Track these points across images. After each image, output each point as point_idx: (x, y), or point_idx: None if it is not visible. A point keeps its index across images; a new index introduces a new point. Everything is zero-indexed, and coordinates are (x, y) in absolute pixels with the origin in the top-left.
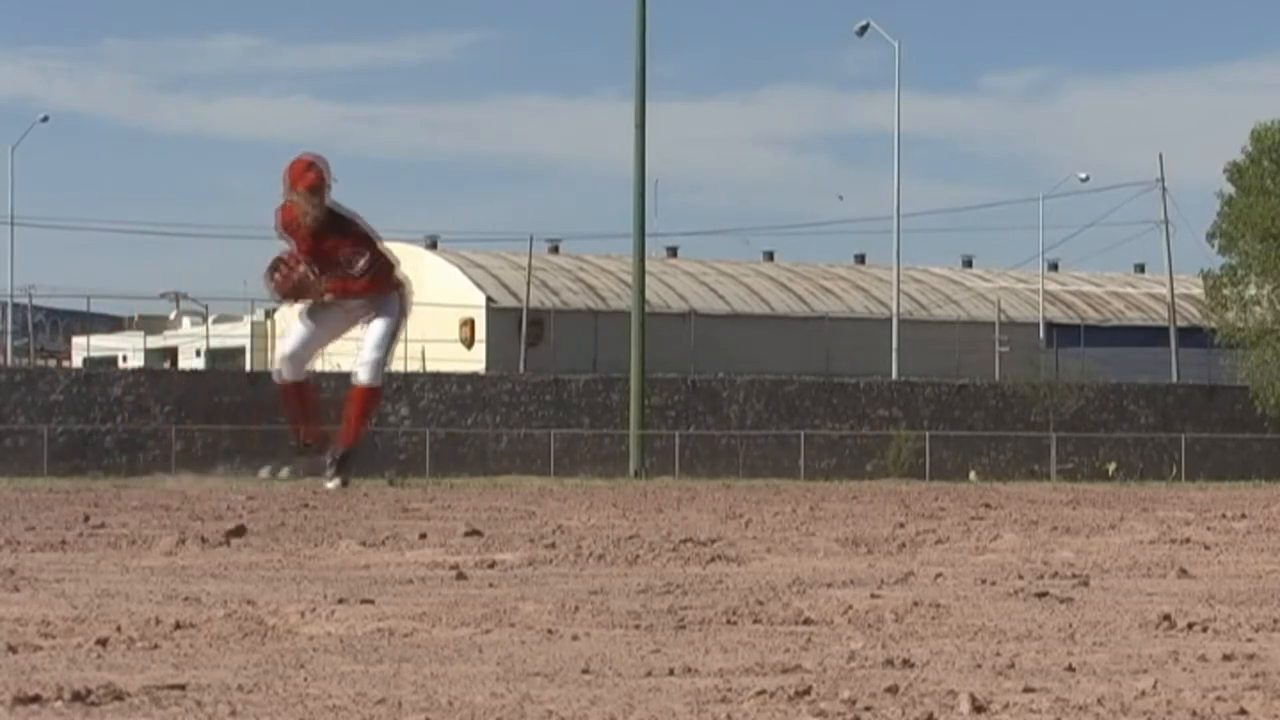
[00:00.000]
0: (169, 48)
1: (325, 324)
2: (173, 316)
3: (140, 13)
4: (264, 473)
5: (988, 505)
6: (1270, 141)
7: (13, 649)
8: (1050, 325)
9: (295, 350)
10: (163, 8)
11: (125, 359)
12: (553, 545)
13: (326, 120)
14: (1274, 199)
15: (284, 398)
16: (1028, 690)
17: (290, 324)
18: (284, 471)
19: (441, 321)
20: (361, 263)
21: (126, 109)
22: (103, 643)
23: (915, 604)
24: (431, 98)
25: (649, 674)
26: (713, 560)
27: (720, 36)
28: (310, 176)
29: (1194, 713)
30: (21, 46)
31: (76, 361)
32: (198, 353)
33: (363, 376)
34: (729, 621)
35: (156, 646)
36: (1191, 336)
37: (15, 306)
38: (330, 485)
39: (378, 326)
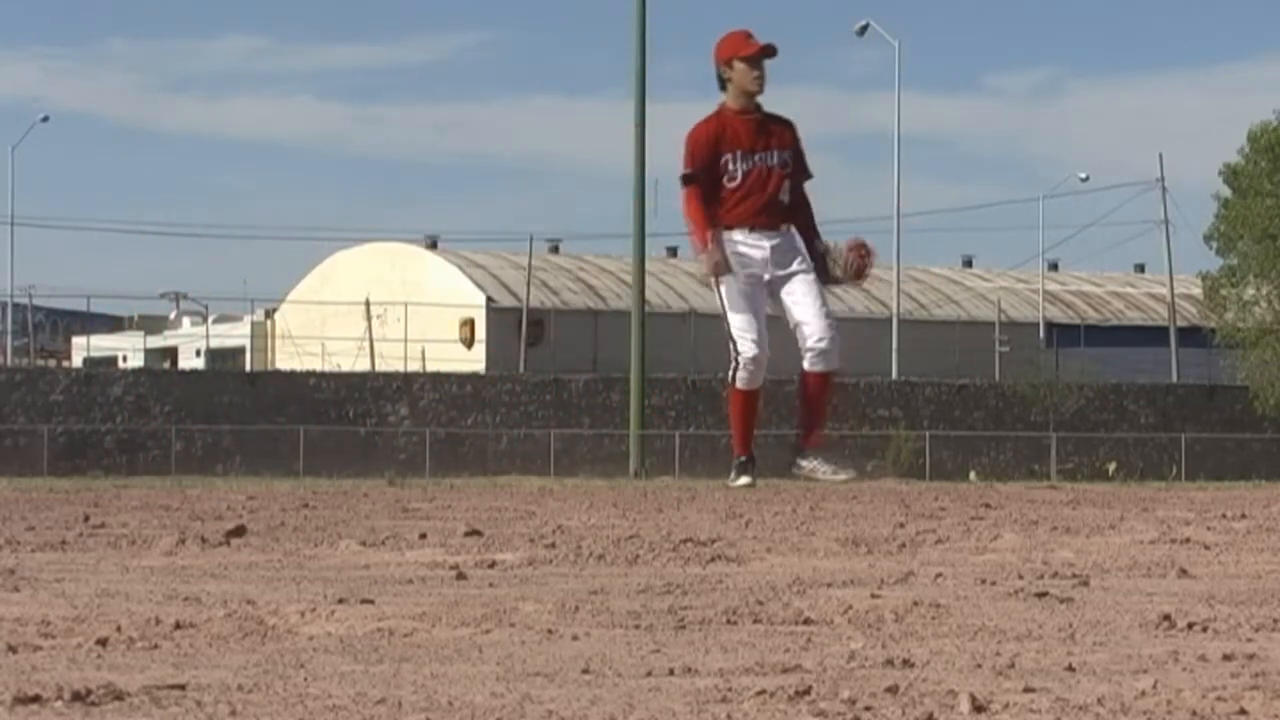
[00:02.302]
0: (173, 48)
1: (761, 297)
2: (173, 316)
3: (145, 13)
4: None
5: (988, 505)
6: (1266, 142)
7: (13, 649)
8: (1050, 325)
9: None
10: (167, 8)
11: (125, 359)
12: (553, 545)
13: (330, 120)
14: (1271, 200)
15: (746, 407)
16: (1028, 690)
17: (736, 309)
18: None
19: (441, 321)
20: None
21: (130, 109)
22: (103, 643)
23: (915, 604)
24: (435, 98)
25: (649, 674)
26: (713, 560)
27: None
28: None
29: (1194, 713)
30: (26, 46)
31: (76, 361)
32: (198, 353)
33: (833, 361)
34: (729, 621)
35: (156, 646)
36: (1191, 336)
37: (15, 306)
38: (842, 477)
39: (819, 284)
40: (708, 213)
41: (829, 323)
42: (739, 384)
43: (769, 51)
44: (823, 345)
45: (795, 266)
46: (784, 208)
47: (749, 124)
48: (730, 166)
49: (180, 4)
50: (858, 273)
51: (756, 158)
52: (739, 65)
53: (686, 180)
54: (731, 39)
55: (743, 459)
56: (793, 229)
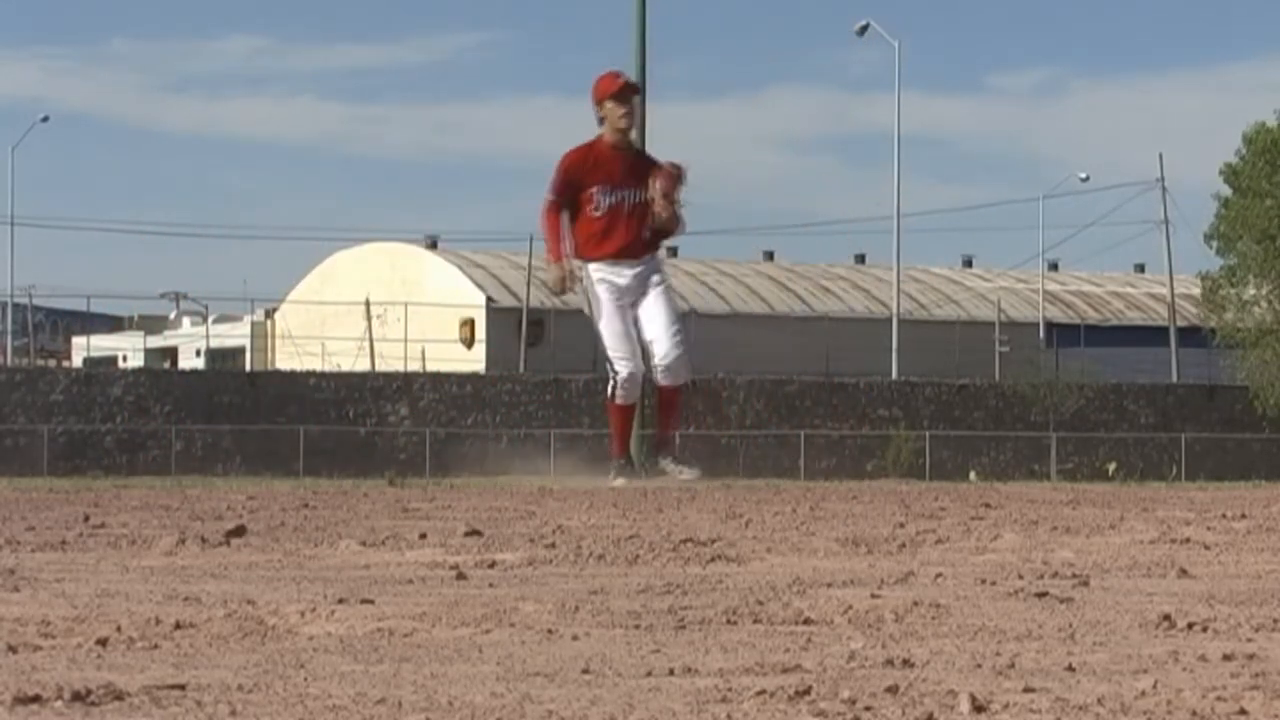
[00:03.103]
0: (174, 48)
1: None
2: (173, 316)
3: (146, 13)
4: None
5: (988, 505)
6: (1262, 143)
7: (13, 649)
8: (1050, 325)
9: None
10: (168, 8)
11: (125, 359)
12: (553, 545)
13: (332, 121)
14: (1270, 200)
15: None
16: (1028, 690)
17: (610, 334)
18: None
19: (441, 321)
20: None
21: (131, 109)
22: (103, 643)
23: (915, 604)
24: (435, 98)
25: (649, 674)
26: (713, 560)
27: (724, 37)
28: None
29: (1194, 713)
30: (28, 46)
31: (76, 361)
32: (198, 353)
33: (679, 376)
34: (729, 621)
35: (156, 646)
36: (1191, 336)
37: (15, 306)
38: (688, 476)
39: (668, 298)
40: (561, 232)
41: (675, 341)
42: (617, 399)
43: (631, 89)
44: (667, 362)
45: (652, 288)
46: (645, 242)
47: (620, 160)
48: (596, 198)
49: (181, 4)
50: (664, 194)
51: (623, 194)
52: (608, 104)
53: (551, 203)
54: (602, 80)
55: (620, 461)
56: (655, 256)
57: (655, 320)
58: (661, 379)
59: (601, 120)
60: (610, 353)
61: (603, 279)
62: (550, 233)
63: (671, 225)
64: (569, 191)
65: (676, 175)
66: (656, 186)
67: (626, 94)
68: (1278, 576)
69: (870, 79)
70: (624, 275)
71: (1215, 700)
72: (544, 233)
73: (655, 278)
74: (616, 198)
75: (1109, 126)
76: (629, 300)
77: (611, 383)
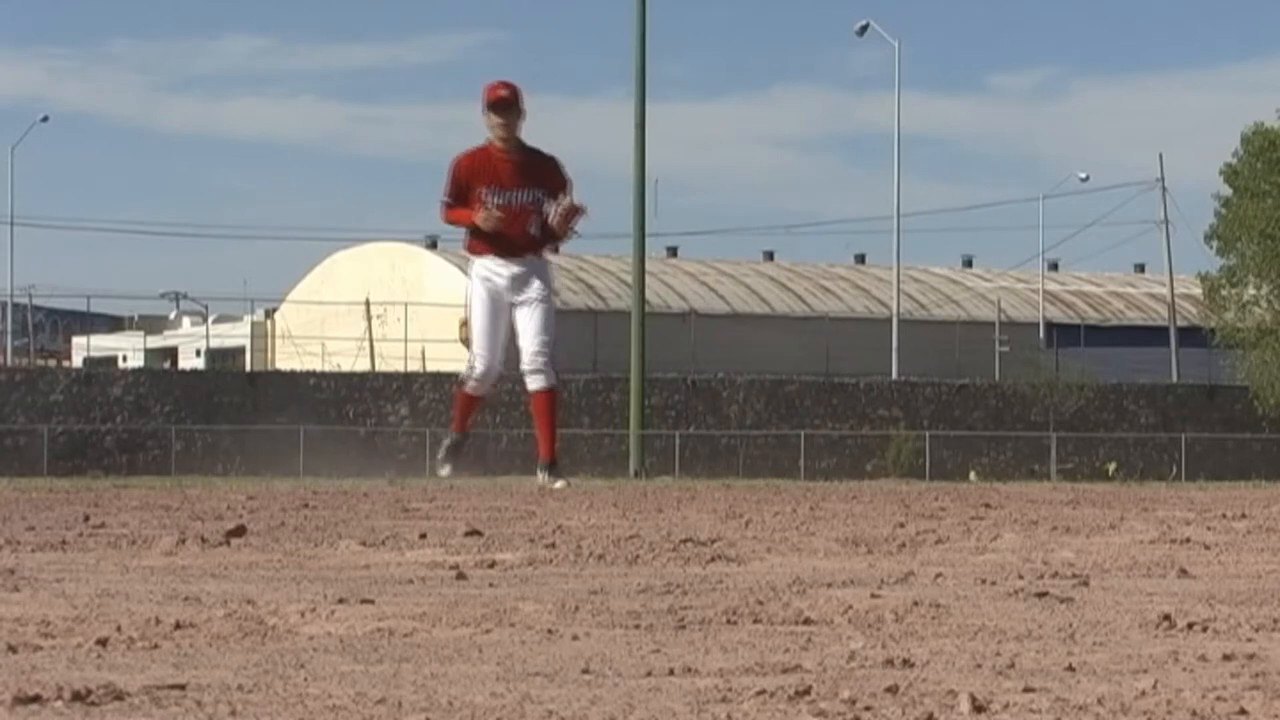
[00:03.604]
0: (175, 48)
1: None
2: (173, 316)
3: (147, 13)
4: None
5: (988, 505)
6: (1260, 144)
7: (13, 649)
8: (1050, 325)
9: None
10: (170, 9)
11: (125, 359)
12: (553, 545)
13: (333, 120)
14: (1270, 200)
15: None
16: (1028, 690)
17: (479, 328)
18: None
19: (441, 321)
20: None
21: (132, 109)
22: (103, 643)
23: (915, 604)
24: (436, 98)
25: (649, 674)
26: (713, 560)
27: (726, 37)
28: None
29: (1194, 713)
30: (29, 46)
31: (76, 361)
32: (198, 353)
33: (545, 380)
34: (729, 621)
35: (156, 646)
36: (1191, 336)
37: (15, 306)
38: (559, 485)
39: (545, 309)
40: (460, 218)
41: (540, 347)
42: (467, 389)
43: (504, 103)
44: (532, 366)
45: (530, 294)
46: (533, 240)
47: (508, 162)
48: (485, 199)
49: (182, 4)
50: (559, 227)
51: (510, 195)
52: (489, 114)
53: (446, 205)
54: (487, 89)
55: (457, 435)
56: (542, 255)
57: (526, 330)
58: (530, 384)
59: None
60: (474, 346)
61: (484, 276)
62: (460, 216)
63: (563, 235)
64: (460, 193)
65: (574, 213)
66: (558, 213)
67: (499, 107)
68: (1278, 576)
69: (870, 79)
70: (504, 275)
71: (1215, 700)
72: (457, 221)
73: (537, 284)
74: (504, 199)
75: (1109, 126)
76: (507, 300)
77: (467, 371)
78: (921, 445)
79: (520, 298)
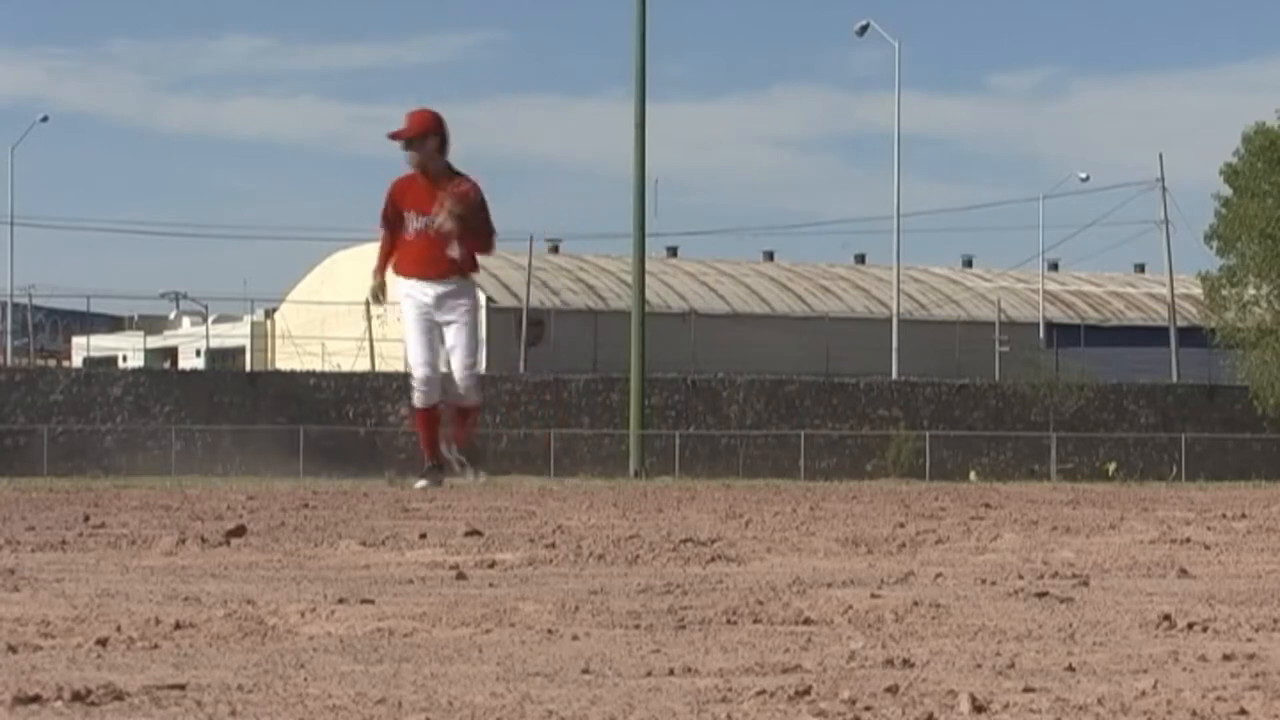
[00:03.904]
0: (176, 48)
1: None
2: (173, 316)
3: (147, 13)
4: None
5: (988, 505)
6: (1261, 143)
7: (13, 649)
8: (1050, 325)
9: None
10: (170, 9)
11: (125, 359)
12: (553, 545)
13: (333, 120)
14: (1271, 200)
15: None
16: (1028, 690)
17: (411, 342)
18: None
19: None
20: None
21: (132, 109)
22: (103, 643)
23: (915, 604)
24: (436, 98)
25: (649, 674)
26: (713, 560)
27: (726, 37)
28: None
29: (1194, 713)
30: (29, 46)
31: (76, 361)
32: (198, 353)
33: (469, 398)
34: (729, 621)
35: (156, 646)
36: (1191, 336)
37: (15, 306)
38: (474, 480)
39: (469, 329)
40: (386, 251)
41: (467, 368)
42: (416, 403)
43: (399, 137)
44: (458, 390)
45: (455, 315)
46: (454, 262)
47: (429, 188)
48: (409, 222)
49: (182, 4)
50: (449, 210)
51: (430, 219)
52: (403, 147)
53: (381, 224)
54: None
55: (429, 465)
56: (466, 276)
57: (454, 350)
58: (456, 400)
59: None
60: (410, 356)
61: (409, 294)
62: (380, 252)
63: (482, 247)
64: (390, 216)
65: (459, 200)
66: (445, 204)
67: (402, 142)
68: (1278, 576)
69: (870, 79)
70: (429, 293)
71: (1215, 700)
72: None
73: (464, 303)
74: (423, 223)
75: (1109, 126)
76: (434, 316)
77: (412, 388)
78: (921, 445)
79: (446, 317)
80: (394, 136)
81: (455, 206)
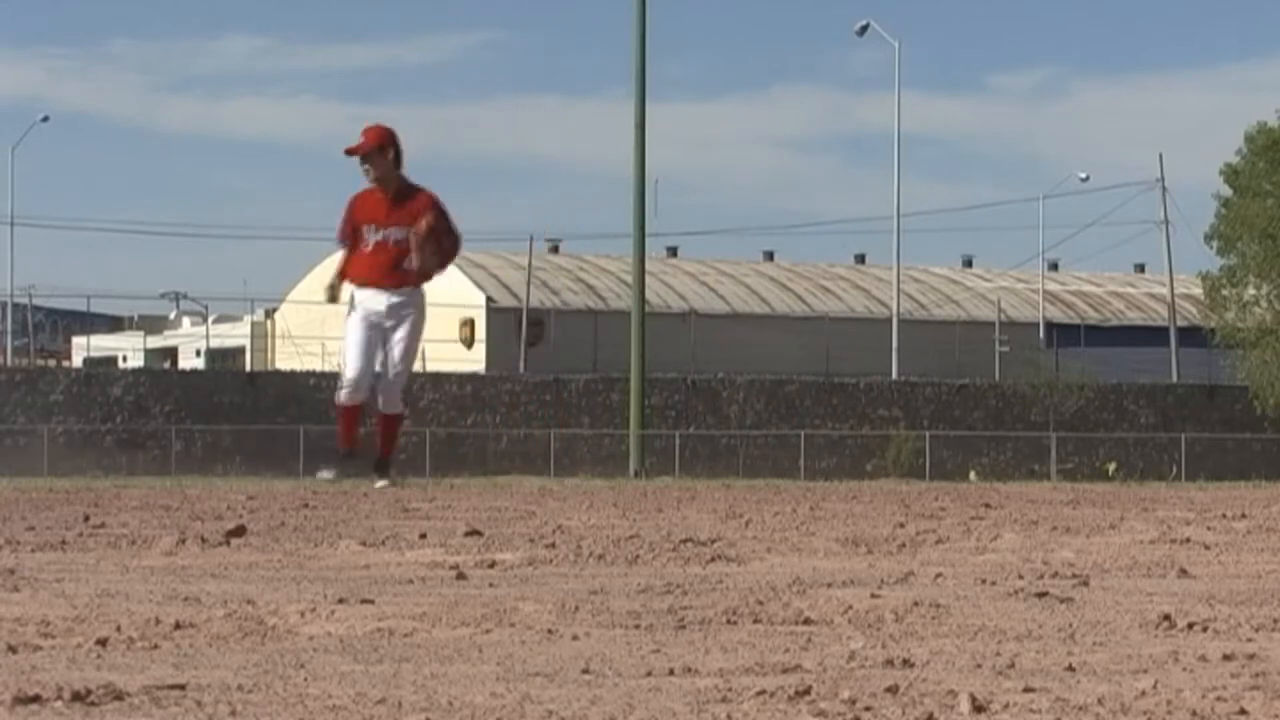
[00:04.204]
0: (176, 48)
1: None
2: (173, 316)
3: (148, 13)
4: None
5: (988, 505)
6: (1262, 143)
7: (13, 649)
8: (1050, 325)
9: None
10: (170, 9)
11: (125, 359)
12: (553, 545)
13: (334, 120)
14: (1271, 200)
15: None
16: (1028, 690)
17: (349, 342)
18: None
19: (441, 321)
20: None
21: (132, 109)
22: (103, 643)
23: (915, 604)
24: (437, 98)
25: (649, 674)
26: (713, 560)
27: (726, 37)
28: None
29: (1194, 713)
30: (29, 47)
31: (76, 361)
32: (198, 353)
33: (392, 407)
34: (729, 621)
35: (156, 646)
36: (1191, 336)
37: (15, 306)
38: (380, 485)
39: (410, 341)
40: (344, 264)
41: (395, 376)
42: (341, 399)
43: (356, 152)
44: (382, 398)
45: (400, 325)
46: (407, 273)
47: (384, 203)
48: (366, 235)
49: (182, 5)
50: (417, 257)
51: (386, 231)
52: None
53: (339, 241)
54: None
55: (342, 452)
56: (418, 287)
57: (390, 356)
58: (379, 408)
59: None
60: (346, 356)
61: (361, 302)
62: (340, 262)
63: (431, 266)
64: (349, 230)
65: (426, 239)
66: (412, 240)
67: (359, 155)
68: (1278, 576)
69: (870, 79)
70: (381, 302)
71: (1215, 700)
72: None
73: (410, 312)
74: (381, 235)
75: (1109, 126)
76: (380, 324)
77: (339, 383)
78: (921, 445)
79: (392, 323)
80: (352, 152)
81: (426, 247)
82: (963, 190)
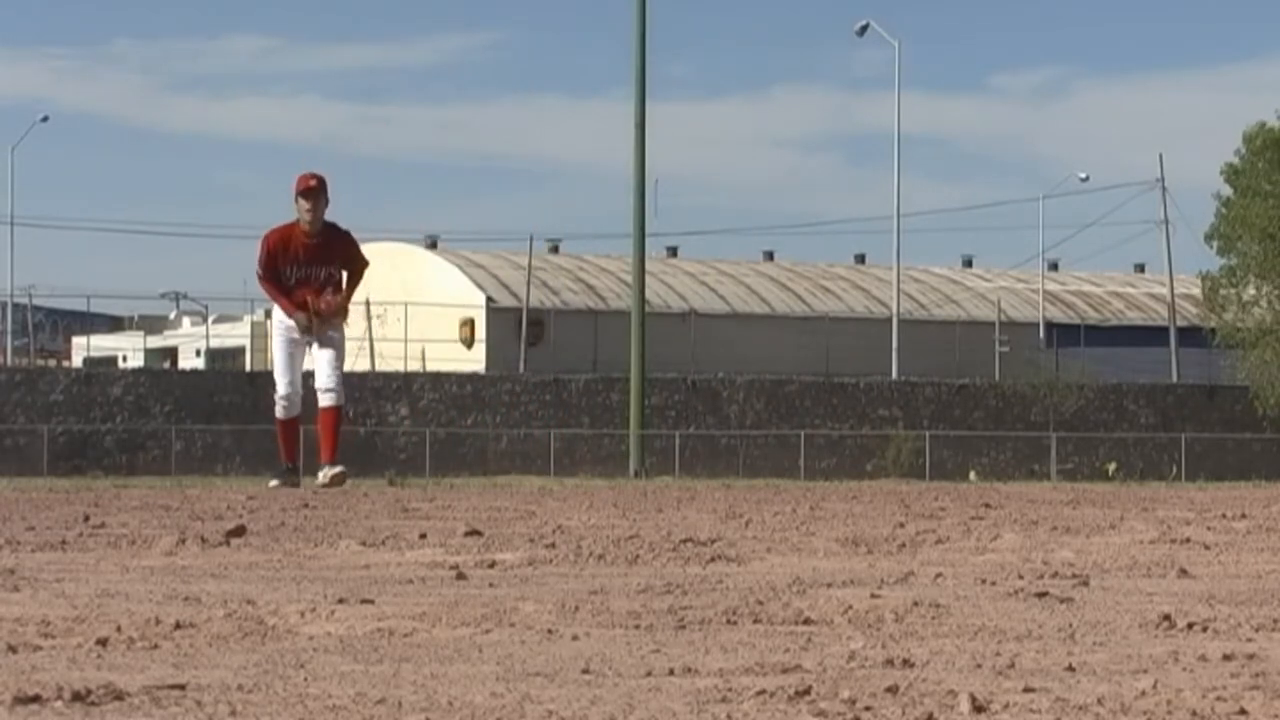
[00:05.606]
0: (178, 48)
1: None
2: (173, 316)
3: (150, 13)
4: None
5: (988, 505)
6: (1262, 142)
7: (13, 649)
8: (1050, 325)
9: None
10: (172, 8)
11: (125, 359)
12: (553, 545)
13: (336, 120)
14: (1271, 200)
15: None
16: (1028, 690)
17: (279, 361)
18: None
19: (441, 321)
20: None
21: (134, 109)
22: (103, 643)
23: (915, 604)
24: (439, 98)
25: (649, 674)
26: (713, 560)
27: (726, 37)
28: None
29: (1194, 713)
30: (31, 47)
31: (76, 361)
32: (198, 353)
33: (333, 400)
34: (729, 621)
35: (156, 646)
36: (1191, 336)
37: (15, 306)
38: (335, 472)
39: (336, 346)
40: (282, 292)
41: (331, 372)
42: (277, 414)
43: (311, 191)
44: (325, 387)
45: (324, 339)
46: (329, 304)
47: (307, 243)
48: (287, 273)
49: (185, 5)
50: (318, 312)
51: (307, 270)
52: (299, 199)
53: (260, 276)
54: (298, 179)
55: (285, 466)
56: (337, 321)
57: (320, 359)
58: (320, 402)
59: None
60: (276, 374)
61: (290, 328)
62: (275, 294)
63: (345, 311)
64: (269, 269)
65: (332, 309)
66: (320, 308)
67: (309, 194)
68: (1278, 576)
69: (871, 79)
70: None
71: (1215, 700)
72: (273, 299)
73: (335, 335)
74: (303, 273)
75: (1110, 126)
76: (301, 341)
77: (275, 400)
78: (921, 445)
79: (315, 340)
80: (309, 189)
81: (330, 310)
82: (963, 190)
